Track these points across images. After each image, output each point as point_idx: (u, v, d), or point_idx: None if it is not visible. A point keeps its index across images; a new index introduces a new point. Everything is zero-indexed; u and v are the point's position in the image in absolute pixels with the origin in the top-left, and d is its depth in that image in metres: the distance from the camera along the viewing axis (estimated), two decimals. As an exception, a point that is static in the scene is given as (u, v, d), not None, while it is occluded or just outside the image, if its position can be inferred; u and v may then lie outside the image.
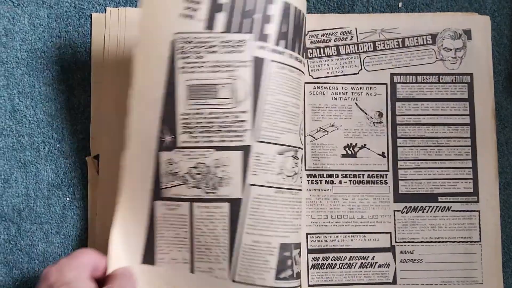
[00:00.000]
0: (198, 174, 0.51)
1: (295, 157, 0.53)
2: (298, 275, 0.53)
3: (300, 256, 0.54)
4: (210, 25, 0.49)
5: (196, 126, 0.50)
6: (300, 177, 0.54)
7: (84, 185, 0.58)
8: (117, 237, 0.51)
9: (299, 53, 0.53)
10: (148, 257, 0.52)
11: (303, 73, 0.54)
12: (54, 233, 0.57)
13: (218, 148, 0.50)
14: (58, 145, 0.58)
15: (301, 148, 0.54)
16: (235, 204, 0.50)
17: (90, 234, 0.57)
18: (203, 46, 0.50)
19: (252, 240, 0.51)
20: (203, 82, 0.50)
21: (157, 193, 0.51)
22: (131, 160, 0.51)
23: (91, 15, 0.60)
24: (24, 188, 0.58)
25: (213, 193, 0.51)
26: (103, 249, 0.54)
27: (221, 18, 0.49)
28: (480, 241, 0.58)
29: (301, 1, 0.53)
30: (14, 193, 0.58)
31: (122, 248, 0.51)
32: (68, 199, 0.58)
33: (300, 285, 0.55)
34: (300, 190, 0.54)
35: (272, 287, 0.51)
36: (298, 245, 0.53)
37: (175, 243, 0.52)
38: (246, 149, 0.50)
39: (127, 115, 0.51)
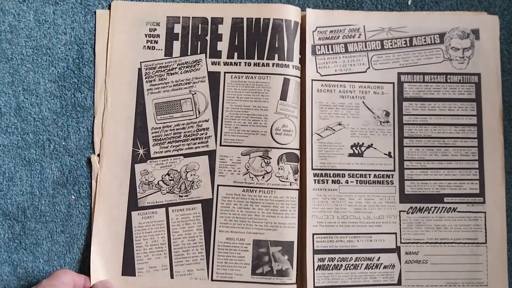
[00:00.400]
0: (171, 180, 0.57)
1: (264, 157, 0.56)
2: (282, 273, 0.55)
3: (287, 255, 0.55)
4: (169, 52, 0.59)
5: (166, 138, 0.58)
6: (278, 176, 0.56)
7: (89, 183, 0.58)
8: (96, 253, 0.56)
9: (261, 58, 0.58)
10: (128, 268, 0.56)
11: (277, 74, 0.58)
12: (59, 232, 0.57)
13: (186, 155, 0.58)
14: (63, 143, 0.58)
15: (278, 148, 0.57)
16: (206, 204, 0.57)
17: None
18: (165, 70, 0.59)
19: (225, 238, 0.56)
20: (168, 99, 0.59)
21: (134, 204, 0.57)
22: (108, 175, 0.57)
23: (95, 11, 0.60)
24: (29, 186, 0.57)
25: (186, 196, 0.57)
26: (96, 244, 0.55)
27: (177, 45, 0.59)
28: (485, 243, 0.58)
29: (262, 10, 0.59)
30: (19, 191, 0.57)
31: (102, 263, 0.56)
32: (73, 197, 0.58)
33: (296, 283, 0.56)
34: (281, 189, 0.56)
35: (249, 282, 0.55)
36: (279, 243, 0.56)
37: (153, 251, 0.56)
38: (211, 154, 0.58)
39: (103, 135, 0.58)
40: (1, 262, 0.56)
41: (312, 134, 0.58)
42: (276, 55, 0.58)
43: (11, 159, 0.57)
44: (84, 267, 0.57)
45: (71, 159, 0.58)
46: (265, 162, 0.56)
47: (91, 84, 0.59)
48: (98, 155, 0.58)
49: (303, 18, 0.60)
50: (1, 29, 0.58)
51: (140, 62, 0.59)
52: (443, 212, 0.58)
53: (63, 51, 0.59)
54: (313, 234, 0.57)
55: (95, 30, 0.59)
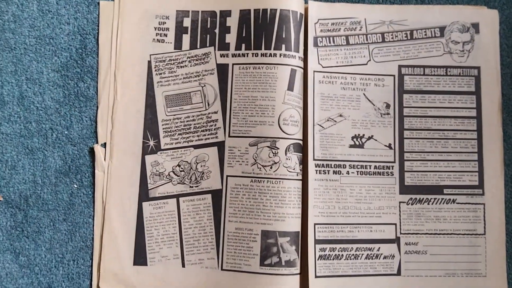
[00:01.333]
0: (182, 171, 0.58)
1: (272, 147, 0.56)
2: (290, 263, 0.55)
3: (294, 245, 0.56)
4: (178, 46, 0.60)
5: (176, 129, 0.59)
6: (286, 166, 0.56)
7: (92, 172, 0.58)
8: (107, 243, 0.57)
9: (268, 48, 0.58)
10: (140, 258, 0.57)
11: (284, 64, 0.58)
12: (61, 220, 0.57)
13: (196, 146, 0.59)
14: (66, 132, 0.58)
15: (286, 138, 0.57)
16: (216, 195, 0.58)
17: (96, 221, 0.57)
18: (174, 63, 0.60)
19: (235, 228, 0.57)
20: (178, 92, 0.59)
21: (145, 195, 0.58)
22: (119, 167, 0.58)
23: (99, 2, 0.60)
24: (31, 175, 0.58)
25: (196, 186, 0.58)
26: (108, 235, 0.55)
27: (186, 39, 0.60)
28: (484, 234, 0.59)
29: (268, 0, 0.59)
30: (21, 180, 0.57)
31: (113, 253, 0.56)
32: (75, 186, 0.58)
33: (300, 273, 0.56)
34: (288, 179, 0.56)
35: (257, 273, 0.55)
36: (287, 234, 0.56)
37: (165, 241, 0.57)
38: (220, 145, 0.58)
39: (113, 126, 0.58)
40: (3, 250, 0.56)
41: (313, 125, 0.59)
42: (283, 46, 0.58)
43: (14, 148, 0.58)
44: (86, 256, 0.57)
45: (74, 148, 0.58)
46: (272, 152, 0.56)
47: (94, 74, 0.59)
48: (102, 144, 0.58)
49: (305, 10, 0.60)
50: (4, 18, 0.59)
51: (150, 55, 0.60)
52: (443, 203, 0.59)
53: (66, 41, 0.59)
54: (315, 224, 0.57)
55: (98, 21, 0.60)
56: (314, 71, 0.59)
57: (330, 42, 0.60)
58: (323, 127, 0.59)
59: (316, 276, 0.56)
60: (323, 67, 0.60)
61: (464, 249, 0.58)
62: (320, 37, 0.60)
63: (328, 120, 0.59)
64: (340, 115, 0.59)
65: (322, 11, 0.60)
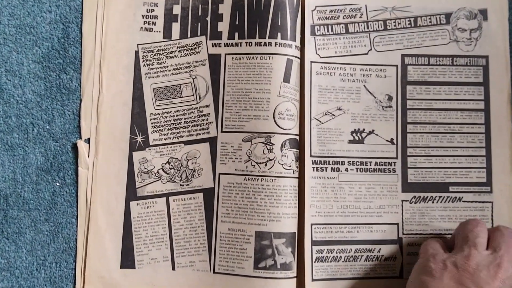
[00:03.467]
0: (172, 168, 0.55)
1: (267, 143, 0.54)
2: (285, 266, 0.53)
3: (290, 247, 0.53)
4: (168, 35, 0.57)
5: (165, 124, 0.56)
6: (281, 163, 0.54)
7: (75, 169, 0.55)
8: (93, 245, 0.54)
9: (263, 37, 0.55)
10: (127, 261, 0.54)
11: (280, 54, 0.55)
12: (43, 220, 0.55)
13: (187, 142, 0.56)
14: (47, 127, 0.56)
15: (281, 133, 0.54)
16: (208, 194, 0.55)
17: (80, 222, 0.55)
18: (164, 53, 0.57)
19: (227, 228, 0.54)
20: (167, 84, 0.57)
21: (132, 193, 0.55)
22: (105, 164, 0.55)
23: (83, -11, 0.57)
24: (11, 173, 0.55)
25: (187, 185, 0.55)
26: (93, 236, 0.53)
27: (176, 27, 0.57)
28: (492, 234, 0.56)
29: None
30: (1, 178, 0.55)
31: (99, 255, 0.54)
32: (57, 184, 0.55)
33: (296, 276, 0.54)
34: (284, 177, 0.54)
35: (251, 276, 0.53)
36: (282, 235, 0.53)
37: (154, 242, 0.55)
38: (212, 140, 0.55)
39: (98, 121, 0.56)
40: (-18, 252, 0.54)
41: (310, 120, 0.56)
42: (279, 34, 0.55)
43: (-7, 144, 0.55)
44: (69, 258, 0.55)
45: (56, 144, 0.56)
46: (267, 148, 0.54)
47: (77, 65, 0.57)
48: (85, 140, 0.55)
49: (302, -4, 0.57)
50: (-18, 6, 0.56)
51: (137, 45, 0.57)
52: (448, 201, 0.56)
53: (47, 30, 0.57)
54: (312, 225, 0.55)
55: (82, 8, 0.57)
56: (311, 62, 0.56)
57: (328, 31, 0.57)
58: (320, 122, 0.56)
59: (313, 279, 0.54)
60: (320, 57, 0.57)
61: (471, 250, 0.56)
62: (317, 25, 0.57)
63: (326, 114, 0.56)
64: (339, 109, 0.56)
65: (319, -3, 0.57)
